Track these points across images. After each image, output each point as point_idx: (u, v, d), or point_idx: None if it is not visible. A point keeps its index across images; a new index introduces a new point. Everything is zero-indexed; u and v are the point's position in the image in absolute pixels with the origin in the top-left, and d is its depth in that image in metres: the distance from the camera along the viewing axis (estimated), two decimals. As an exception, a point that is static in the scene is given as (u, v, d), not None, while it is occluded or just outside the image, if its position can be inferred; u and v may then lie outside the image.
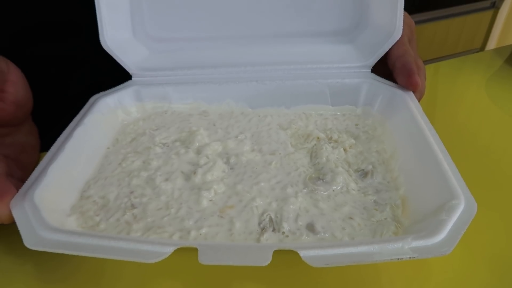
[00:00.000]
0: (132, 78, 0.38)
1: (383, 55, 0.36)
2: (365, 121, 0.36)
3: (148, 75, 0.38)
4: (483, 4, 1.14)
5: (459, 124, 0.39)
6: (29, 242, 0.23)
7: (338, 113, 0.38)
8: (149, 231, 0.27)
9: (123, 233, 0.27)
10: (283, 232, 0.26)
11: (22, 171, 0.30)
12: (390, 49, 0.35)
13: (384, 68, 0.37)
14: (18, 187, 0.26)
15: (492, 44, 1.21)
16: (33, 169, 0.28)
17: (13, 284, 0.26)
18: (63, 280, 0.26)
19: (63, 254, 0.22)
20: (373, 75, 0.37)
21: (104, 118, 0.35)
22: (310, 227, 0.27)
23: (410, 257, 0.21)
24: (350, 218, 0.27)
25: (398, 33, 0.35)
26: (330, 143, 0.34)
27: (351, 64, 0.37)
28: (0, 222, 0.25)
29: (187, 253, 0.22)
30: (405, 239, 0.22)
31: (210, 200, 0.29)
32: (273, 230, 0.27)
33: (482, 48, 1.23)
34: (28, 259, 0.28)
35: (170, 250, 0.22)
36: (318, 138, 0.34)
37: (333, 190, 0.29)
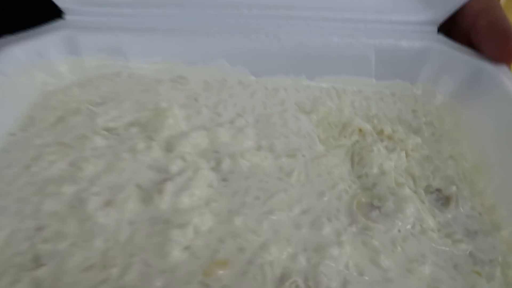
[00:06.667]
0: (64, 17, 0.27)
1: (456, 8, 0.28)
2: (427, 107, 0.27)
3: (89, 13, 0.27)
4: None
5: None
6: None
7: (386, 92, 0.28)
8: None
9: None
10: (323, 320, 0.15)
11: None
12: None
13: (452, 27, 0.29)
14: None
15: None
16: None
17: None
18: None
19: None
20: (442, 37, 0.28)
21: (10, 82, 0.24)
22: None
23: None
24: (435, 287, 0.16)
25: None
26: (381, 140, 0.23)
27: (410, 18, 0.28)
28: None
29: None
30: None
31: (186, 249, 0.17)
32: (304, 315, 0.15)
33: None
34: None
35: None
36: (360, 130, 0.25)
37: (399, 231, 0.19)
